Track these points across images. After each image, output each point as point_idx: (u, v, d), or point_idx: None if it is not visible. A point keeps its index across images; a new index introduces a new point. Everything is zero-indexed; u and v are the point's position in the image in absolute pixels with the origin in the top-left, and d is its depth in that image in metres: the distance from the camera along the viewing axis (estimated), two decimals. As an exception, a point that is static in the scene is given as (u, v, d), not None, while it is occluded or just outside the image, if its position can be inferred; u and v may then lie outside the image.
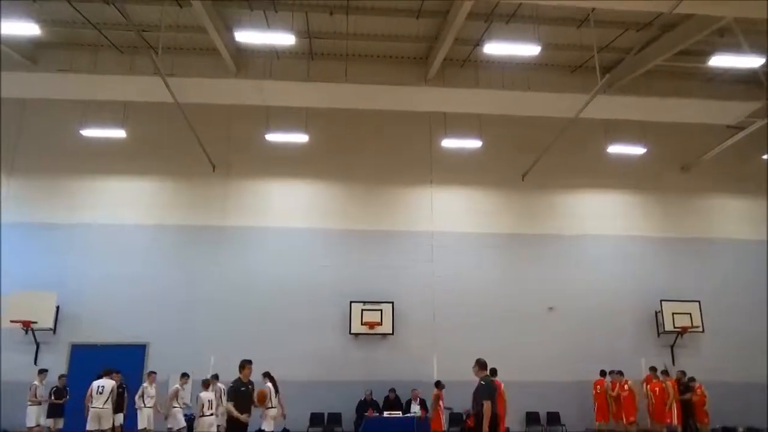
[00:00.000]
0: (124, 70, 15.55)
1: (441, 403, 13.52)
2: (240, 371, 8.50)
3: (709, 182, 17.99)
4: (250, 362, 8.73)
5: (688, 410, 14.45)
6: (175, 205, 16.61)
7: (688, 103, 16.16)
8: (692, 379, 15.19)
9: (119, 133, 15.85)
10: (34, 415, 12.48)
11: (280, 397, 11.64)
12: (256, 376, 9.82)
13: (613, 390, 14.57)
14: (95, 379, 11.72)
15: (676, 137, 17.98)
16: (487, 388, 8.10)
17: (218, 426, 11.92)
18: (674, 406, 14.30)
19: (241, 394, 8.64)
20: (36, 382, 12.66)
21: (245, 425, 8.59)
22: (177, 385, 12.80)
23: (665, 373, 14.86)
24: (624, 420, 14.25)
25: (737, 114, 16.06)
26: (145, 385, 12.83)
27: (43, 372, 13.16)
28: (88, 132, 15.73)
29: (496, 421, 8.12)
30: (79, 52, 15.83)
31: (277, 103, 16.36)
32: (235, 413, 8.44)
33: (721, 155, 17.17)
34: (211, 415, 11.49)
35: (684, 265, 17.16)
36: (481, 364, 8.51)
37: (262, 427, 12.08)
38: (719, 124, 16.75)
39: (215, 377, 13.04)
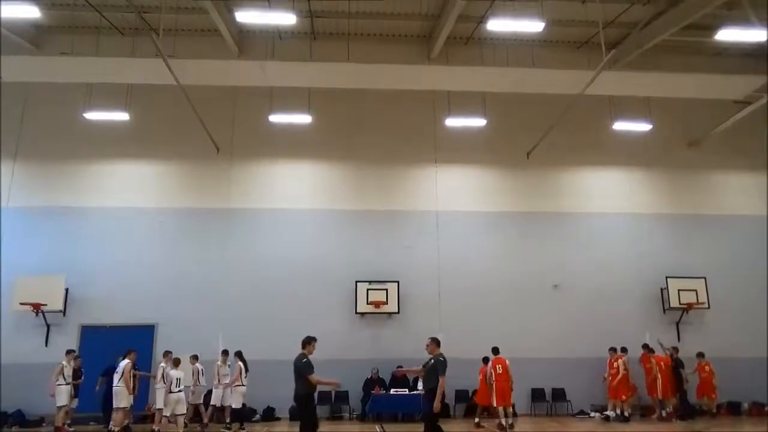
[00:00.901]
0: (126, 53, 15.49)
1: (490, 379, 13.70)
2: (305, 347, 8.88)
3: (716, 158, 17.84)
4: (315, 339, 9.05)
5: (680, 385, 14.52)
6: (180, 187, 16.67)
7: (695, 78, 15.96)
8: (701, 355, 15.26)
9: (123, 116, 15.84)
10: (66, 395, 12.51)
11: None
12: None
13: (611, 367, 14.56)
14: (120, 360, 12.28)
15: (682, 113, 17.81)
16: (443, 365, 8.45)
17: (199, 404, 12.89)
18: (659, 381, 14.45)
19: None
20: (64, 362, 12.68)
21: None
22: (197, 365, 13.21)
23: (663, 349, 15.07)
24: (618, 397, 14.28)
25: (745, 88, 15.84)
26: (163, 365, 12.96)
27: (71, 352, 13.05)
28: (92, 115, 15.73)
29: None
30: (81, 36, 15.78)
31: (280, 84, 16.28)
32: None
33: (728, 130, 17.00)
34: (180, 391, 11.98)
35: (690, 242, 17.12)
36: (436, 342, 8.88)
37: (231, 404, 12.39)
38: (726, 99, 16.55)
39: (195, 357, 13.38)
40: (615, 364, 14.35)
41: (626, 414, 13.98)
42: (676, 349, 15.04)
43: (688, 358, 15.37)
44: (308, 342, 8.97)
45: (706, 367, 15.17)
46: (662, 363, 14.75)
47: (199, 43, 15.96)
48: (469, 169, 17.43)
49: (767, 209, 17.32)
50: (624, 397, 14.07)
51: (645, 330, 16.06)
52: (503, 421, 12.89)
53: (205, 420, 12.91)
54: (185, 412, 12.18)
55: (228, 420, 12.89)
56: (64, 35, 15.70)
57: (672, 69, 16.02)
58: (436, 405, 8.22)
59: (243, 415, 13.06)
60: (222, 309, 15.48)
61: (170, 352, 12.92)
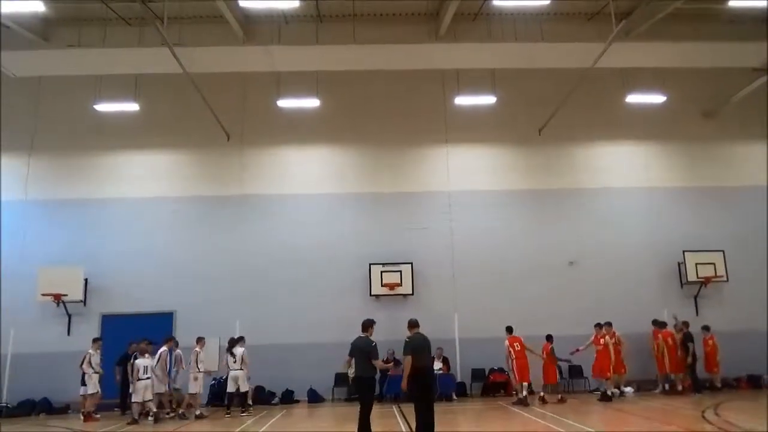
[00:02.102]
0: (133, 43, 15.51)
1: (553, 356, 13.88)
2: (366, 330, 9.08)
3: (733, 128, 17.45)
4: (374, 322, 9.28)
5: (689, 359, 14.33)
6: (193, 176, 16.82)
7: (709, 47, 15.60)
8: (706, 329, 15.12)
9: (133, 107, 15.94)
10: (94, 382, 12.81)
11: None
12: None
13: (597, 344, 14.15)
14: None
15: (697, 83, 17.42)
16: (407, 344, 8.69)
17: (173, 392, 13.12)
18: (666, 356, 14.44)
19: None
20: (91, 351, 12.92)
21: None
22: (196, 348, 13.30)
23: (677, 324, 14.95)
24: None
25: (761, 55, 15.43)
26: (197, 350, 13.22)
27: (97, 341, 13.30)
28: (102, 107, 15.85)
29: (424, 373, 8.66)
30: (88, 28, 15.78)
31: (287, 69, 16.27)
32: (382, 364, 9.25)
33: (744, 99, 16.59)
34: (147, 378, 12.17)
35: (707, 215, 16.86)
36: (411, 324, 9.10)
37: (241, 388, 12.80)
38: (742, 67, 16.15)
39: (175, 343, 13.38)
40: (602, 341, 13.90)
41: (609, 392, 13.46)
42: (686, 324, 14.83)
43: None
44: (370, 325, 9.16)
45: (710, 341, 15.03)
46: (669, 338, 14.66)
47: (204, 30, 15.90)
48: (480, 148, 17.29)
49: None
50: (609, 375, 13.63)
51: (663, 305, 15.95)
52: (523, 396, 13.08)
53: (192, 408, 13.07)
54: (150, 398, 12.28)
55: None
56: (71, 28, 15.71)
57: (685, 38, 15.62)
58: (403, 383, 8.59)
59: (232, 398, 13.04)
60: (238, 294, 15.68)
61: (100, 339, 13.19)
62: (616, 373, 14.09)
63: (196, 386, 13.03)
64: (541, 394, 13.69)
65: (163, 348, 12.83)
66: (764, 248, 16.48)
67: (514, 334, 13.72)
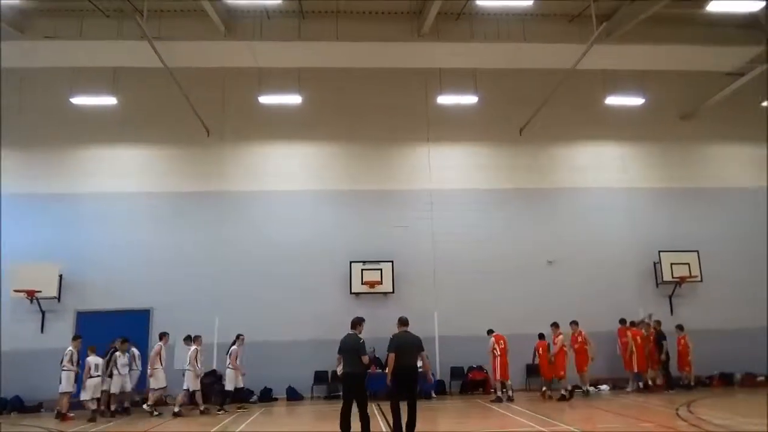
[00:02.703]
0: (112, 36, 15.26)
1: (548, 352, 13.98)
2: (355, 327, 9.10)
3: (709, 130, 17.79)
4: (364, 319, 9.29)
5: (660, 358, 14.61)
6: (172, 171, 16.60)
7: (688, 50, 15.88)
8: (680, 328, 15.40)
9: (110, 101, 15.68)
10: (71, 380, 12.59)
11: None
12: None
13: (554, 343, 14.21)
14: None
15: (675, 86, 17.71)
16: (391, 342, 8.92)
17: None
18: (635, 355, 14.65)
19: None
20: (71, 348, 12.67)
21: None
22: (160, 344, 13.25)
23: (648, 323, 15.28)
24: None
25: (737, 60, 15.77)
26: (198, 347, 13.17)
27: (77, 338, 13.08)
28: (79, 100, 15.56)
29: (405, 371, 8.77)
30: (65, 19, 15.49)
31: (269, 65, 16.16)
32: (368, 360, 9.05)
33: (720, 102, 16.94)
34: (98, 376, 12.19)
35: (683, 216, 17.16)
36: (401, 321, 9.27)
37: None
38: (719, 71, 16.45)
39: (125, 340, 13.34)
40: (556, 340, 13.86)
41: (563, 392, 13.45)
42: (659, 323, 15.06)
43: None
44: (359, 322, 9.18)
45: (682, 341, 15.31)
46: (638, 337, 14.90)
47: (185, 24, 15.69)
48: (462, 147, 17.36)
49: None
50: (562, 373, 13.62)
51: (639, 304, 16.21)
52: (501, 394, 13.34)
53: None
54: (98, 396, 12.27)
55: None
56: (48, 19, 15.39)
57: (664, 41, 15.87)
58: (388, 379, 8.81)
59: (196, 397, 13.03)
60: (217, 292, 15.53)
61: (80, 337, 13.05)
62: (580, 372, 14.14)
63: (196, 384, 12.91)
64: (543, 389, 13.87)
65: (159, 344, 13.12)
66: (737, 249, 16.83)
67: (495, 333, 13.87)
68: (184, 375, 12.98)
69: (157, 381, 12.92)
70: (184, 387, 12.83)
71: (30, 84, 16.42)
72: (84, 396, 12.09)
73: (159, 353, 13.03)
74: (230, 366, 13.11)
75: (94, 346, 12.71)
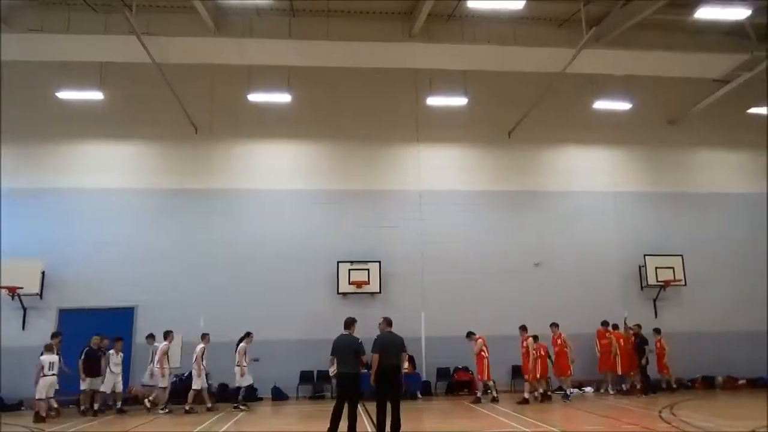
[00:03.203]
0: (99, 30, 15.03)
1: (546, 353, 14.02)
2: (349, 327, 9.11)
3: (695, 136, 17.99)
4: (356, 320, 9.30)
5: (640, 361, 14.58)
6: (158, 168, 16.44)
7: (676, 57, 16.02)
8: (657, 331, 15.55)
9: (97, 96, 15.49)
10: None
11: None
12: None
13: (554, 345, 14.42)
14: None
15: (662, 91, 17.88)
16: (375, 342, 8.93)
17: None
18: (618, 357, 14.85)
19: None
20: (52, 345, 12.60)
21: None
22: (166, 342, 13.21)
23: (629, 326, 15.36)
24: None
25: (725, 66, 15.95)
26: (202, 345, 13.20)
27: (57, 335, 13.01)
28: (65, 94, 15.36)
29: (389, 371, 8.85)
30: (52, 12, 15.24)
31: (259, 62, 16.06)
32: (364, 361, 9.10)
33: (707, 109, 17.14)
34: (53, 375, 12.01)
35: (668, 220, 17.35)
36: (386, 322, 9.27)
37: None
38: (706, 78, 16.64)
39: (120, 339, 13.35)
40: (525, 344, 13.86)
41: (526, 396, 13.32)
42: (639, 326, 15.09)
43: (664, 334, 15.73)
44: (352, 323, 9.19)
45: (658, 344, 15.43)
46: (621, 339, 15.07)
47: (174, 19, 15.52)
48: (451, 148, 17.39)
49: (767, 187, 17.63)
50: (532, 377, 13.54)
51: (623, 307, 16.31)
52: (482, 395, 13.52)
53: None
54: (53, 395, 12.11)
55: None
56: (34, 12, 15.17)
57: (653, 47, 16.00)
58: (371, 378, 8.82)
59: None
60: (203, 290, 15.41)
61: (60, 333, 13.02)
62: (563, 375, 14.15)
63: (203, 382, 13.04)
64: (540, 390, 13.82)
65: (165, 342, 13.11)
66: (721, 254, 17.07)
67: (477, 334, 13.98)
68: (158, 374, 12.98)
69: (165, 380, 12.95)
70: (193, 386, 12.92)
71: (14, 77, 16.15)
72: (37, 395, 11.84)
73: (166, 352, 13.05)
74: (238, 364, 13.19)
75: (51, 344, 12.45)
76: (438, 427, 11.04)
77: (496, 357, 13.99)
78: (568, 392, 13.79)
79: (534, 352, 13.61)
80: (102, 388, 12.80)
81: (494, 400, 13.41)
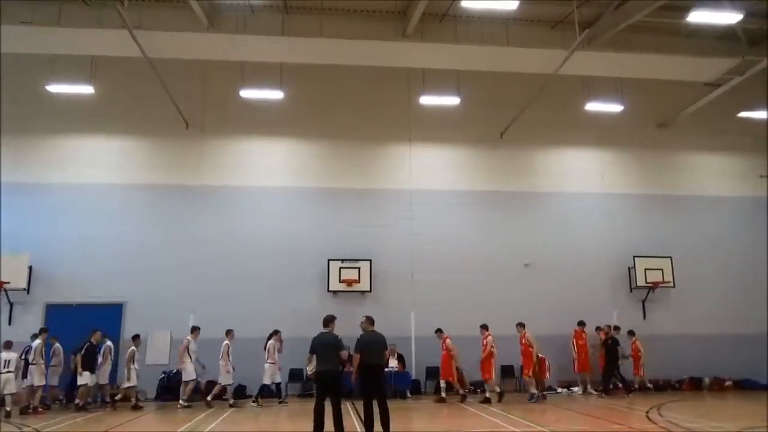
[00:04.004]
0: (91, 23, 14.93)
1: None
2: (328, 325, 9.15)
3: (686, 139, 18.13)
4: (335, 317, 9.34)
5: (611, 362, 14.63)
6: (148, 163, 16.34)
7: (668, 60, 16.13)
8: (631, 333, 15.66)
9: (87, 90, 15.36)
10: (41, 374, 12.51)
11: None
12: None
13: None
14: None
15: (653, 94, 17.99)
16: (357, 341, 9.01)
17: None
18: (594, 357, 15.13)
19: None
20: (39, 341, 12.62)
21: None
22: (189, 338, 13.42)
23: (617, 328, 15.56)
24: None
25: (716, 70, 16.08)
26: (227, 342, 13.41)
27: (44, 331, 13.01)
28: (55, 88, 15.22)
29: (373, 370, 8.91)
30: (43, 5, 15.13)
31: (251, 59, 16.00)
32: (346, 355, 9.23)
33: (697, 112, 17.27)
34: (9, 372, 11.88)
35: (658, 222, 17.46)
36: (369, 321, 9.35)
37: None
38: (697, 82, 16.76)
39: (54, 337, 13.32)
40: (485, 342, 13.83)
41: (487, 395, 13.55)
42: (609, 327, 15.18)
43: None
44: (331, 320, 9.22)
45: (633, 346, 15.53)
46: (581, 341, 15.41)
47: (167, 14, 15.48)
48: (443, 148, 17.41)
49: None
50: (487, 376, 13.63)
51: (613, 308, 16.44)
52: (464, 392, 13.73)
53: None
54: (15, 392, 12.01)
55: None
56: (24, 5, 15.02)
57: (645, 50, 16.11)
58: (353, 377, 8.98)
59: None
60: (193, 287, 15.33)
61: (47, 330, 13.01)
62: (525, 375, 14.05)
63: (229, 378, 13.30)
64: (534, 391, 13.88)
65: (187, 338, 13.31)
66: (709, 256, 17.22)
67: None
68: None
69: (187, 374, 13.07)
70: (219, 381, 13.24)
71: (3, 70, 15.94)
72: None
73: (187, 347, 13.18)
74: (269, 361, 13.37)
75: (10, 342, 12.35)
76: (427, 426, 11.03)
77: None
78: (532, 393, 13.61)
79: (528, 348, 13.82)
80: (130, 383, 12.92)
81: (486, 400, 13.40)
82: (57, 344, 13.29)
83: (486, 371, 13.64)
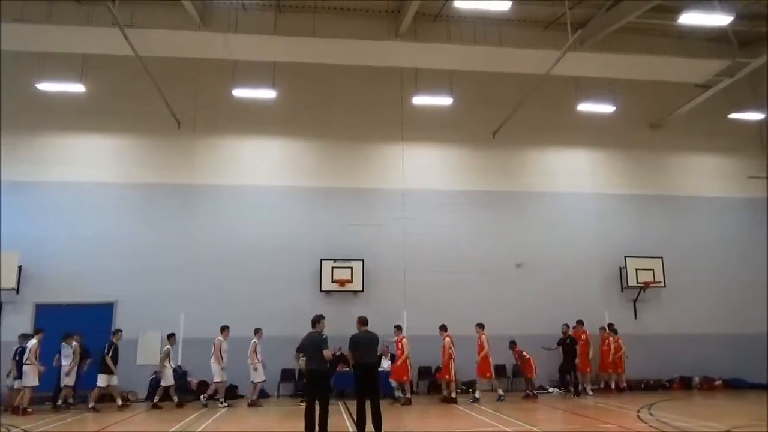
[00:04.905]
0: (81, 21, 14.84)
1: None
2: (316, 325, 9.14)
3: (677, 140, 18.22)
4: (323, 316, 9.36)
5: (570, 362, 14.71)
6: (140, 162, 16.24)
7: (659, 61, 16.23)
8: (603, 329, 15.79)
9: (78, 88, 15.24)
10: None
11: None
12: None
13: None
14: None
15: (645, 95, 18.09)
16: (350, 341, 9.21)
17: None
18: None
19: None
20: (35, 341, 12.50)
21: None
22: (254, 340, 13.51)
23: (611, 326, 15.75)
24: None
25: (706, 72, 16.19)
26: (255, 340, 13.45)
27: (40, 331, 12.87)
28: (45, 86, 15.09)
29: (366, 369, 9.00)
30: (33, 2, 14.99)
31: (244, 58, 15.96)
32: (330, 354, 9.20)
33: (688, 113, 17.37)
34: None
35: (649, 222, 17.55)
36: (360, 321, 9.44)
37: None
38: (688, 83, 16.86)
39: (72, 336, 13.22)
40: (444, 342, 13.85)
41: (445, 394, 13.69)
42: (567, 326, 15.07)
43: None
44: (318, 320, 9.23)
45: (607, 341, 15.59)
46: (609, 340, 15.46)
47: (158, 12, 15.38)
48: (435, 148, 17.41)
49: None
50: (447, 377, 13.68)
51: (604, 308, 16.51)
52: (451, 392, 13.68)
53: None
54: None
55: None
56: (14, 1, 14.87)
57: (637, 51, 16.21)
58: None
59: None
60: (184, 286, 15.25)
61: (43, 330, 12.89)
62: (483, 377, 13.94)
63: (258, 375, 13.37)
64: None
65: (219, 338, 13.36)
66: (700, 256, 17.32)
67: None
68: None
69: (217, 375, 13.20)
70: (251, 380, 13.33)
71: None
72: None
73: (220, 348, 13.23)
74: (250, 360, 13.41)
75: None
76: (419, 426, 11.04)
77: (473, 356, 14.01)
78: (473, 396, 13.73)
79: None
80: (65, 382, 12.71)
81: (475, 400, 13.46)
82: (75, 343, 13.06)
83: (446, 372, 13.74)
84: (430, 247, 16.44)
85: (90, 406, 12.44)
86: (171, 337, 13.78)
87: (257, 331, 13.70)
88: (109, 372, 12.78)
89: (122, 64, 15.17)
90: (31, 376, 12.25)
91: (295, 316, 14.77)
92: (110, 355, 12.81)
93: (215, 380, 13.30)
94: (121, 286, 15.06)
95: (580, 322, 15.34)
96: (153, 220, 15.79)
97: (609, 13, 15.35)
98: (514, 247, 16.76)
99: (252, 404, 13.24)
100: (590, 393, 14.64)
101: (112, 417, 11.63)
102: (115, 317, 14.89)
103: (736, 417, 10.81)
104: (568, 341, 14.79)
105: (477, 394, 13.67)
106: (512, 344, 14.68)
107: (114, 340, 13.11)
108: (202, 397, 13.32)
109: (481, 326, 14.04)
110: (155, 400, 13.02)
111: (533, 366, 14.43)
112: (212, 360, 13.28)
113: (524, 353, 14.50)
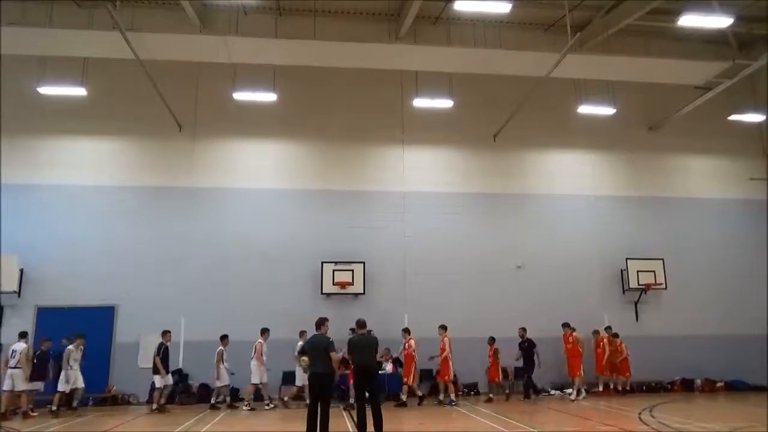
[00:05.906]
0: (82, 25, 14.86)
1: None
2: (320, 328, 9.14)
3: (677, 142, 18.23)
4: (327, 319, 9.36)
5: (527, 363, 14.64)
6: (141, 165, 16.25)
7: (658, 63, 16.22)
8: (596, 333, 15.70)
9: (79, 91, 15.26)
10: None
11: None
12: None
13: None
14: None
15: (644, 97, 18.10)
16: (348, 345, 9.40)
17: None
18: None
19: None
20: (23, 345, 12.61)
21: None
22: (260, 340, 13.70)
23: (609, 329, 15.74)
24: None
25: (706, 74, 16.17)
26: (260, 341, 13.59)
27: (48, 340, 12.96)
28: (46, 89, 15.11)
29: (365, 372, 9.12)
30: (33, 5, 15.05)
31: (244, 61, 15.94)
32: (336, 356, 9.08)
33: (688, 115, 17.38)
34: None
35: (649, 224, 17.55)
36: (358, 324, 9.56)
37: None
38: (687, 85, 16.87)
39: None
40: (407, 345, 14.01)
41: (402, 397, 13.66)
42: (524, 329, 14.86)
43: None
44: (322, 323, 9.24)
45: (601, 343, 15.51)
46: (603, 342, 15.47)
47: (159, 15, 15.44)
48: (435, 150, 17.43)
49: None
50: (447, 378, 13.78)
51: (605, 310, 16.50)
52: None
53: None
54: None
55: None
56: (15, 4, 14.91)
57: (636, 53, 16.21)
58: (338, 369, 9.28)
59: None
60: (185, 289, 15.25)
61: (50, 339, 12.94)
62: (443, 379, 13.96)
63: (264, 376, 13.57)
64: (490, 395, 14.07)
65: (259, 341, 13.60)
66: (701, 258, 17.32)
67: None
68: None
69: (255, 377, 13.41)
70: (252, 381, 13.40)
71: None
72: None
73: (261, 350, 13.50)
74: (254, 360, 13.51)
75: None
76: (419, 428, 11.03)
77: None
78: (439, 399, 13.82)
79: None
80: (60, 387, 12.60)
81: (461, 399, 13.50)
82: (70, 346, 12.96)
83: (406, 375, 13.82)
84: (430, 249, 16.44)
85: (153, 407, 12.69)
86: (224, 338, 13.73)
87: (264, 331, 13.71)
88: (162, 372, 12.85)
89: (122, 67, 15.16)
90: (20, 380, 12.19)
91: (296, 319, 14.79)
92: (160, 356, 12.87)
93: (253, 382, 13.40)
94: (122, 289, 15.06)
95: (566, 325, 15.04)
96: (154, 222, 15.80)
97: (608, 16, 15.39)
98: (515, 249, 16.77)
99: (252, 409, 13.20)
100: (583, 395, 14.44)
101: (114, 420, 11.60)
102: (116, 320, 14.90)
103: (738, 419, 10.80)
104: (525, 345, 14.64)
105: (453, 396, 13.63)
106: (491, 340, 14.62)
107: (164, 341, 13.14)
108: (242, 402, 13.45)
109: (443, 328, 14.09)
110: (218, 402, 13.30)
111: (498, 369, 14.51)
112: (253, 362, 13.42)
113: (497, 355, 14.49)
